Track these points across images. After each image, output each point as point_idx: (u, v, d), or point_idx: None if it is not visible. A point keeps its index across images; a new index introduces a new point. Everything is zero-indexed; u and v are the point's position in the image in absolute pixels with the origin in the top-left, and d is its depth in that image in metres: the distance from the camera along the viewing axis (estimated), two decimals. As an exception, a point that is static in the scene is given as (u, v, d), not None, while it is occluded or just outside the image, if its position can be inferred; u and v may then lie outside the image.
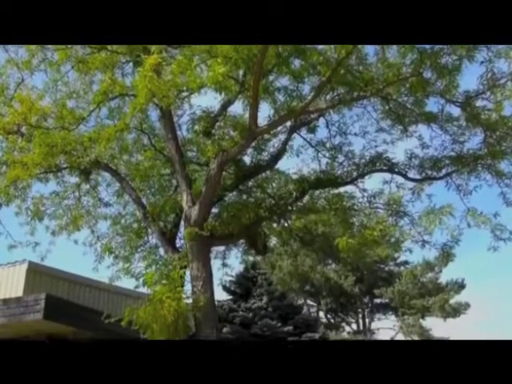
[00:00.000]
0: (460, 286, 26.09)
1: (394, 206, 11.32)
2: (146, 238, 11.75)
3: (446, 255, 10.81)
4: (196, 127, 11.01)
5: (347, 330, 27.88)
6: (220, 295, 13.28)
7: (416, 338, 25.57)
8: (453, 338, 27.28)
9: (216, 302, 10.86)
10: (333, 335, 21.93)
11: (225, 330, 10.68)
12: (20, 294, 13.15)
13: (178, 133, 11.28)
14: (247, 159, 11.91)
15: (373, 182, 11.87)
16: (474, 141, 10.74)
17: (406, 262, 26.95)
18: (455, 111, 10.52)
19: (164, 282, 9.33)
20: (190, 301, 9.76)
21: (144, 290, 10.04)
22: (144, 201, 11.66)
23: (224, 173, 10.94)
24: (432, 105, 10.39)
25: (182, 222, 11.17)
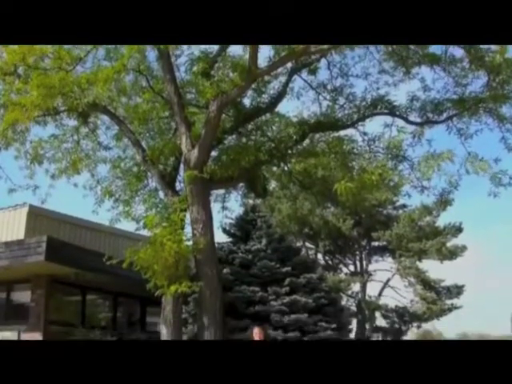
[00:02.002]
0: (457, 230, 26.44)
1: (394, 150, 11.31)
2: (145, 182, 11.80)
3: (444, 200, 10.89)
4: (194, 68, 10.83)
5: (345, 272, 28.50)
6: (220, 237, 13.51)
7: (412, 279, 26.19)
8: (449, 279, 27.88)
9: (216, 244, 11.06)
10: (330, 276, 22.47)
11: (225, 270, 10.92)
12: (21, 237, 13.34)
13: (177, 74, 11.13)
14: (247, 101, 11.82)
15: (373, 125, 11.83)
16: (477, 84, 10.63)
17: (404, 206, 27.17)
18: (459, 53, 10.36)
19: (164, 224, 9.46)
20: (190, 243, 9.95)
21: (144, 232, 10.21)
22: (143, 144, 11.64)
23: (223, 115, 10.88)
24: (436, 46, 10.21)
25: (182, 165, 11.22)
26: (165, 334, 9.75)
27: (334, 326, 11.16)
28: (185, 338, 10.69)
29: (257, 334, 7.75)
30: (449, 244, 26.02)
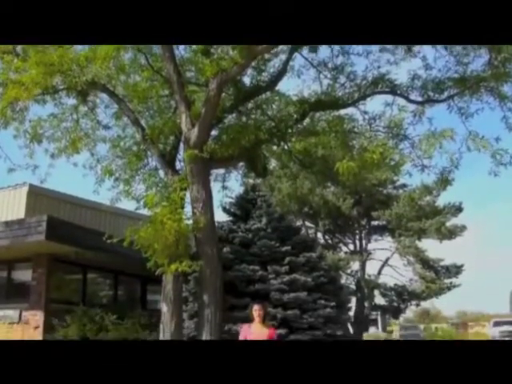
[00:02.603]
0: (457, 209, 26.51)
1: (395, 129, 11.28)
2: (145, 161, 11.77)
3: (445, 179, 10.88)
4: (194, 46, 10.75)
5: (344, 251, 28.66)
6: (220, 217, 13.56)
7: (411, 258, 26.36)
8: (447, 258, 28.07)
9: (216, 223, 11.10)
10: (330, 255, 22.60)
11: (225, 249, 10.98)
12: (21, 216, 13.39)
13: (176, 52, 11.03)
14: (247, 80, 11.75)
15: (374, 104, 11.78)
16: (479, 62, 10.55)
17: (404, 186, 27.20)
18: (461, 31, 10.23)
19: (164, 203, 9.49)
20: (190, 222, 9.99)
21: (145, 211, 10.25)
22: (143, 123, 11.60)
23: (223, 94, 10.82)
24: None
25: (182, 145, 11.20)
26: (165, 311, 9.85)
27: (333, 304, 11.26)
28: (185, 315, 10.79)
29: (256, 310, 7.78)
30: (448, 223, 26.13)
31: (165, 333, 9.73)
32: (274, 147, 12.87)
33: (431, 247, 36.68)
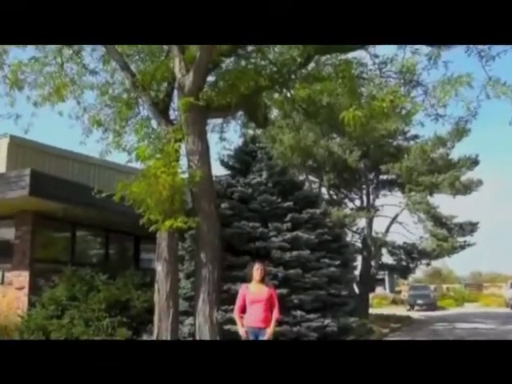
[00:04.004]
0: (473, 162, 26.35)
1: (407, 75, 11.13)
2: (137, 110, 11.73)
3: (461, 130, 10.83)
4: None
5: (350, 207, 28.77)
6: (218, 170, 13.58)
7: (422, 215, 26.50)
8: (461, 215, 28.21)
9: (213, 177, 11.16)
10: (335, 211, 22.75)
11: (223, 205, 11.05)
12: (2, 170, 13.40)
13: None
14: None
15: (385, 46, 11.58)
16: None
17: (415, 137, 27.01)
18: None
19: (158, 156, 9.52)
20: (186, 176, 10.05)
21: (137, 164, 10.27)
22: (133, 68, 11.48)
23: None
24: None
25: (176, 92, 11.12)
26: (160, 270, 10.03)
27: (337, 262, 11.43)
28: (181, 275, 10.98)
29: (257, 269, 7.92)
30: (463, 178, 26.07)
31: (160, 293, 9.94)
32: (276, 95, 12.78)
33: (444, 203, 36.79)
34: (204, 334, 9.69)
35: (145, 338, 10.60)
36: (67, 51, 11.48)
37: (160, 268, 10.06)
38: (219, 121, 13.56)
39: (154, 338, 9.79)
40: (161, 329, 9.78)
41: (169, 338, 9.63)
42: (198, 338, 9.75)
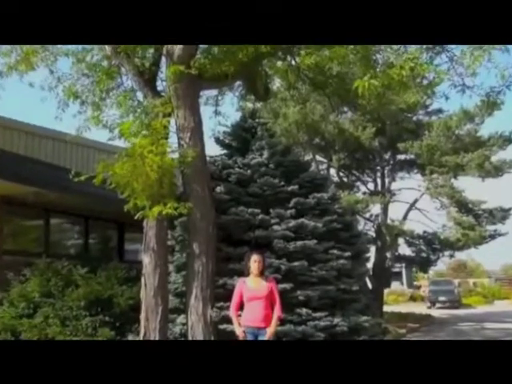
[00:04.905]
0: (506, 141, 26.11)
1: (430, 39, 11.12)
2: (119, 80, 11.70)
3: (492, 102, 10.74)
4: None
5: (363, 191, 28.73)
6: (212, 149, 13.59)
7: (445, 200, 26.52)
8: (491, 200, 28.14)
9: (207, 157, 11.20)
10: (345, 196, 22.80)
11: (218, 189, 11.09)
12: (-37, 149, 13.36)
13: None
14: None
15: (405, 3, 11.54)
16: None
17: (439, 111, 26.94)
18: None
19: (144, 132, 9.54)
20: (176, 155, 10.08)
21: (120, 143, 10.29)
22: (114, 31, 11.45)
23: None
24: None
25: (164, 59, 11.10)
26: (147, 263, 10.10)
27: (348, 254, 11.47)
28: (171, 268, 11.06)
29: (256, 261, 7.96)
30: (493, 158, 25.96)
31: (147, 288, 10.02)
32: (279, 62, 12.75)
33: (471, 187, 36.74)
34: (197, 333, 9.79)
35: (130, 338, 10.70)
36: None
37: (147, 260, 10.13)
38: (214, 92, 13.57)
39: (141, 338, 9.89)
40: (148, 328, 9.87)
41: (157, 339, 9.73)
42: (190, 339, 9.85)
